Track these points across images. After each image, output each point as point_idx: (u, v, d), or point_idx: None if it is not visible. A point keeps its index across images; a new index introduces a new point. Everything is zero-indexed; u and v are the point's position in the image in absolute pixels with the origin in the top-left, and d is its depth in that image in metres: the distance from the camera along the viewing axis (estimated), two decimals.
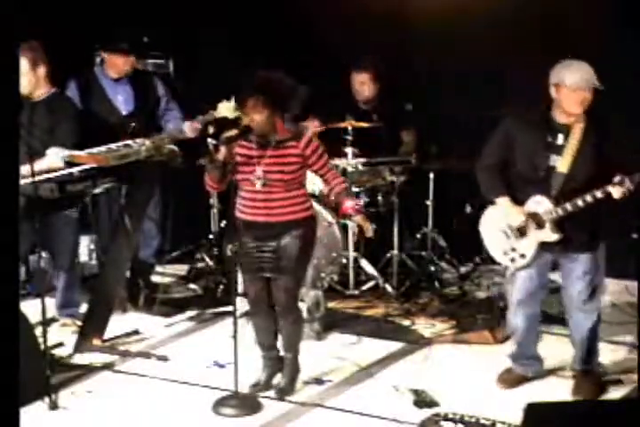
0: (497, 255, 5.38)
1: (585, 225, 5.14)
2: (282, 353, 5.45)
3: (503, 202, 5.24)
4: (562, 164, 5.05)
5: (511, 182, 5.23)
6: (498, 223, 5.32)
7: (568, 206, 5.04)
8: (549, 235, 5.14)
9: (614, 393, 5.36)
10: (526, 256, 5.24)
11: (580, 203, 5.01)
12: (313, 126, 7.06)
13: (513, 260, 5.29)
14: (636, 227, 6.36)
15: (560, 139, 5.07)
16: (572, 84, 4.95)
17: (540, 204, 5.13)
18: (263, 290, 5.31)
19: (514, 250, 5.27)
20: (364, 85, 7.23)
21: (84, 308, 6.25)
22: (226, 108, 6.18)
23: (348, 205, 5.26)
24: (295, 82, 5.13)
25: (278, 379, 5.45)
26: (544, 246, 5.19)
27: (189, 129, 6.46)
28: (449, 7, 7.17)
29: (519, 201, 5.20)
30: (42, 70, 5.88)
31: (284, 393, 5.38)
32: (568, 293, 5.31)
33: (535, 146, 5.10)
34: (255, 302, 5.37)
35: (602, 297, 5.41)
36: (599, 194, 4.96)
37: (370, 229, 5.35)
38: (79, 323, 6.13)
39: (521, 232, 5.22)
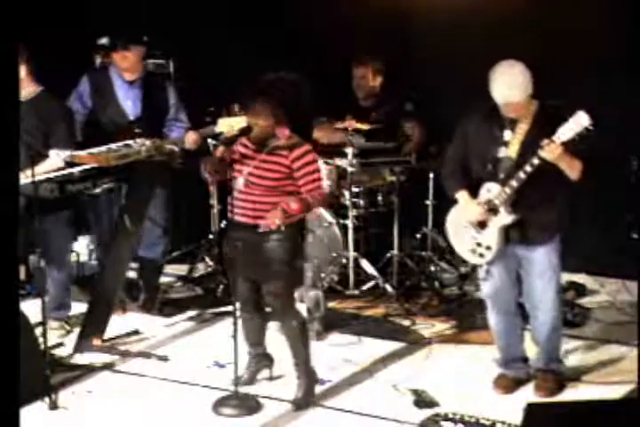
0: (465, 255, 5.35)
1: (541, 213, 5.12)
2: (268, 350, 5.46)
3: (460, 196, 5.25)
4: (509, 152, 5.07)
5: (470, 179, 5.24)
6: (460, 221, 5.31)
7: (513, 182, 5.03)
8: (505, 217, 5.12)
9: (614, 393, 5.34)
10: (492, 248, 5.20)
11: (521, 175, 5.00)
12: None
13: (481, 255, 5.26)
14: (636, 227, 6.36)
15: (508, 131, 5.09)
16: (497, 100, 5.02)
17: (490, 190, 5.14)
18: (251, 290, 5.26)
19: (479, 245, 5.24)
20: (363, 80, 7.20)
21: (77, 309, 6.25)
22: (226, 125, 6.10)
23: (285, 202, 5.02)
24: (305, 84, 5.06)
25: (264, 375, 5.46)
26: (506, 236, 5.17)
27: (189, 141, 6.41)
28: (450, 7, 7.17)
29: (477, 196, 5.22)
30: (21, 71, 5.75)
31: (299, 407, 5.22)
32: (529, 291, 5.29)
33: (484, 140, 5.14)
34: (243, 301, 5.32)
35: (561, 295, 5.36)
36: (535, 160, 4.95)
37: (267, 223, 4.98)
38: (68, 327, 6.18)
39: (481, 224, 5.21)
